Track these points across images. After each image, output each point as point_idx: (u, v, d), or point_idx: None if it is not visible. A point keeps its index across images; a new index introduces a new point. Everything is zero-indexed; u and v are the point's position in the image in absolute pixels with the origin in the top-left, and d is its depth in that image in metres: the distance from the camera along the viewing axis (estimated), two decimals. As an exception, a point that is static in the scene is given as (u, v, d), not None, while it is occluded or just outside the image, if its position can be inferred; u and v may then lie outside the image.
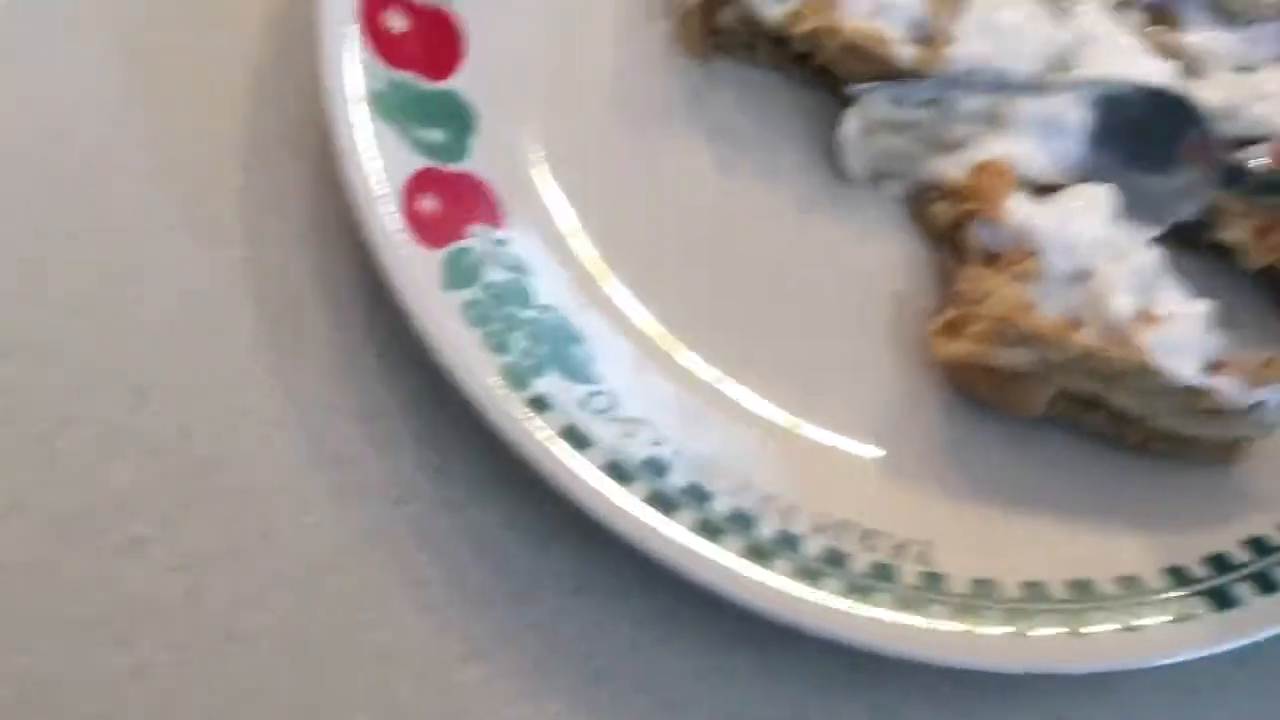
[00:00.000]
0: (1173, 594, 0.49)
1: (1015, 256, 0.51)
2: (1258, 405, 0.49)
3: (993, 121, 0.55)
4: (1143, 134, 0.55)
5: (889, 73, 0.55)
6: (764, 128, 0.58)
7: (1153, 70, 0.56)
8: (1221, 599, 0.50)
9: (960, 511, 0.51)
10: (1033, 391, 0.52)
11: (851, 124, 0.56)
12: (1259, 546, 0.51)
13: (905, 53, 0.54)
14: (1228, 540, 0.51)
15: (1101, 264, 0.51)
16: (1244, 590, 0.49)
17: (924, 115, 0.55)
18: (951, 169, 0.55)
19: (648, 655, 0.50)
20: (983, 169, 0.53)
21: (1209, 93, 0.56)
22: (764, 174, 0.57)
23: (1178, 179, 0.55)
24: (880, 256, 0.56)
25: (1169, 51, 0.57)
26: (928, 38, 0.55)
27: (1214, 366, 0.50)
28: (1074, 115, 0.55)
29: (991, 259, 0.52)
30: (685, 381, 0.52)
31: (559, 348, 0.51)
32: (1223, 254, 0.56)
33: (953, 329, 0.51)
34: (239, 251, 0.53)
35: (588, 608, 0.50)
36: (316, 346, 0.52)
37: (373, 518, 0.50)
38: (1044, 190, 0.54)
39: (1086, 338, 0.49)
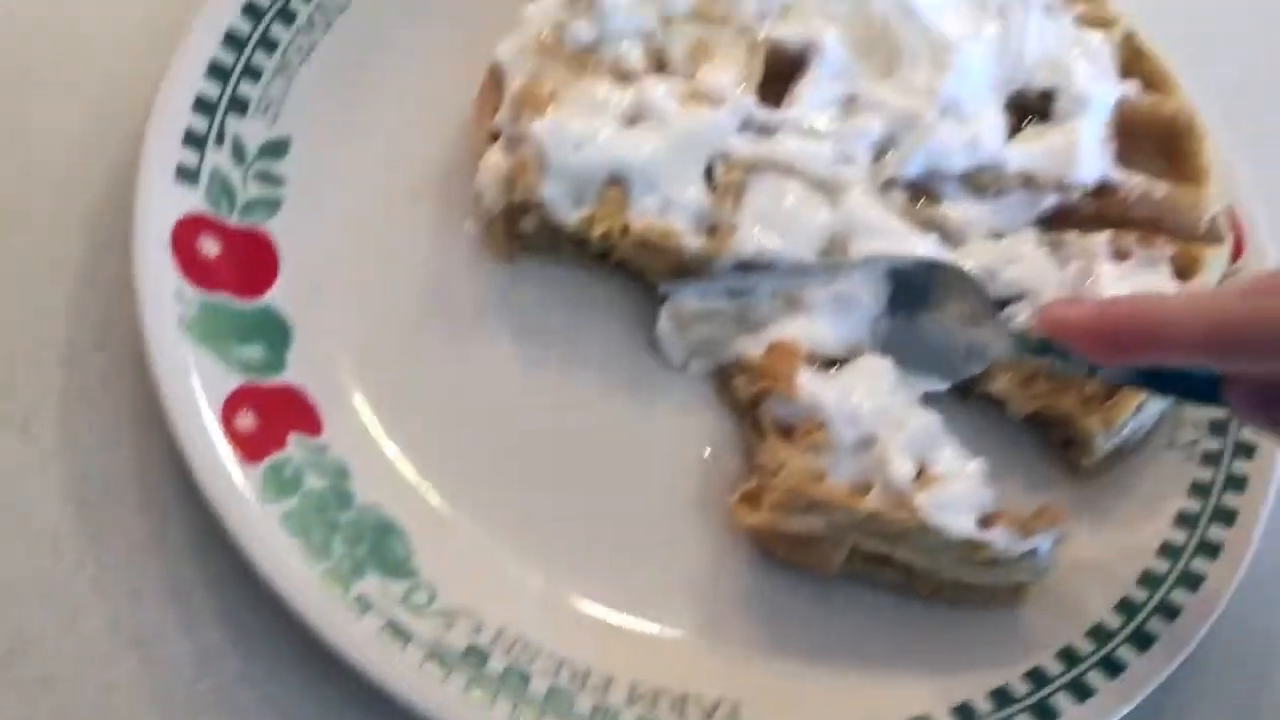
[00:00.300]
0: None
1: (807, 428, 0.56)
2: (1030, 553, 0.55)
3: (791, 304, 0.60)
4: (926, 301, 0.60)
5: (681, 263, 0.60)
6: (571, 321, 0.62)
7: (923, 245, 0.62)
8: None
9: (768, 669, 0.55)
10: (828, 552, 0.56)
11: (665, 320, 0.61)
12: (1038, 677, 0.55)
13: (693, 244, 0.59)
14: (1011, 674, 0.55)
15: (883, 431, 0.56)
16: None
17: (727, 305, 0.60)
18: (752, 348, 0.60)
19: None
20: (774, 349, 0.58)
21: (972, 260, 0.62)
22: (571, 365, 0.61)
23: (963, 340, 0.60)
24: (689, 431, 0.60)
25: (931, 224, 0.63)
26: (712, 228, 0.60)
27: (987, 520, 0.55)
28: (862, 292, 0.60)
29: (787, 431, 0.57)
30: (502, 569, 0.55)
31: (379, 546, 0.54)
32: (993, 402, 0.62)
33: (753, 499, 0.56)
34: (50, 441, 0.55)
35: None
36: (124, 529, 0.54)
37: (175, 697, 0.52)
38: (833, 364, 0.59)
39: (871, 502, 0.54)
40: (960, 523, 0.54)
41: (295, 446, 0.54)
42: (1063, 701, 0.54)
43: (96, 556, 0.53)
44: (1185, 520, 0.60)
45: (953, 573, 0.56)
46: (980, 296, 0.59)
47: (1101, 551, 0.59)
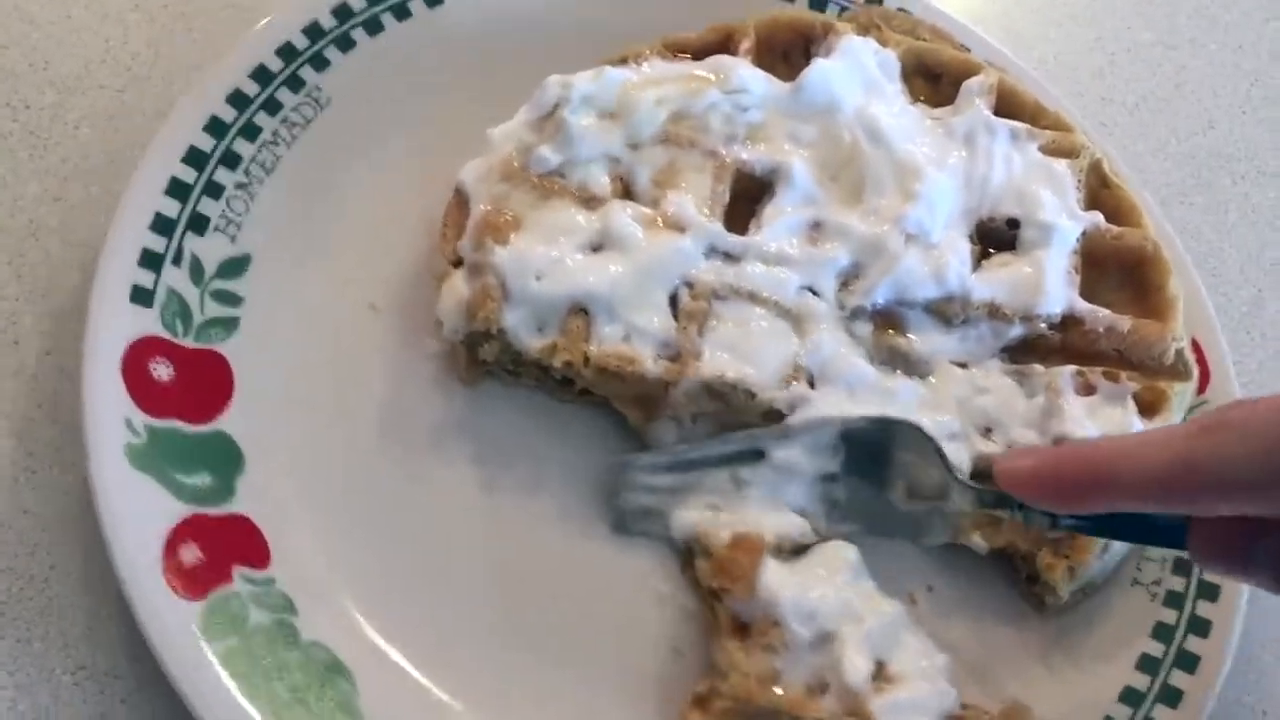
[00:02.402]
0: None
1: (763, 627, 0.55)
2: None
3: (735, 481, 0.59)
4: (881, 460, 0.59)
5: (645, 391, 0.60)
6: (534, 448, 0.61)
7: (887, 395, 0.61)
8: None
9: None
10: None
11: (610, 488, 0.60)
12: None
13: (654, 370, 0.59)
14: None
15: (841, 627, 0.54)
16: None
17: (670, 479, 0.59)
18: (705, 525, 0.58)
19: None
20: (738, 542, 0.57)
21: (935, 391, 0.62)
22: (532, 495, 0.60)
23: (923, 502, 0.59)
24: (651, 576, 0.59)
25: (897, 353, 0.63)
26: (675, 355, 0.60)
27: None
28: (804, 461, 0.59)
29: (743, 628, 0.55)
30: (447, 713, 0.54)
31: (322, 685, 0.52)
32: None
33: (703, 703, 0.54)
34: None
35: None
36: (69, 659, 0.53)
37: None
38: (801, 549, 0.58)
39: (826, 705, 0.52)
40: None
41: (240, 580, 0.53)
42: None
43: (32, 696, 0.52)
44: (1147, 664, 0.59)
45: None
46: (935, 451, 0.58)
47: (1063, 696, 0.58)
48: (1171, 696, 0.58)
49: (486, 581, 0.57)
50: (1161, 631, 0.60)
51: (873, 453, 0.59)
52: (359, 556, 0.56)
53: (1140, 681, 0.59)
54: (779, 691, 0.52)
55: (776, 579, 0.55)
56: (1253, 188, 0.79)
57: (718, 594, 0.56)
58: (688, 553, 0.59)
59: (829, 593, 0.55)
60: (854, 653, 0.53)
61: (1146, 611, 0.61)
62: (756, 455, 0.59)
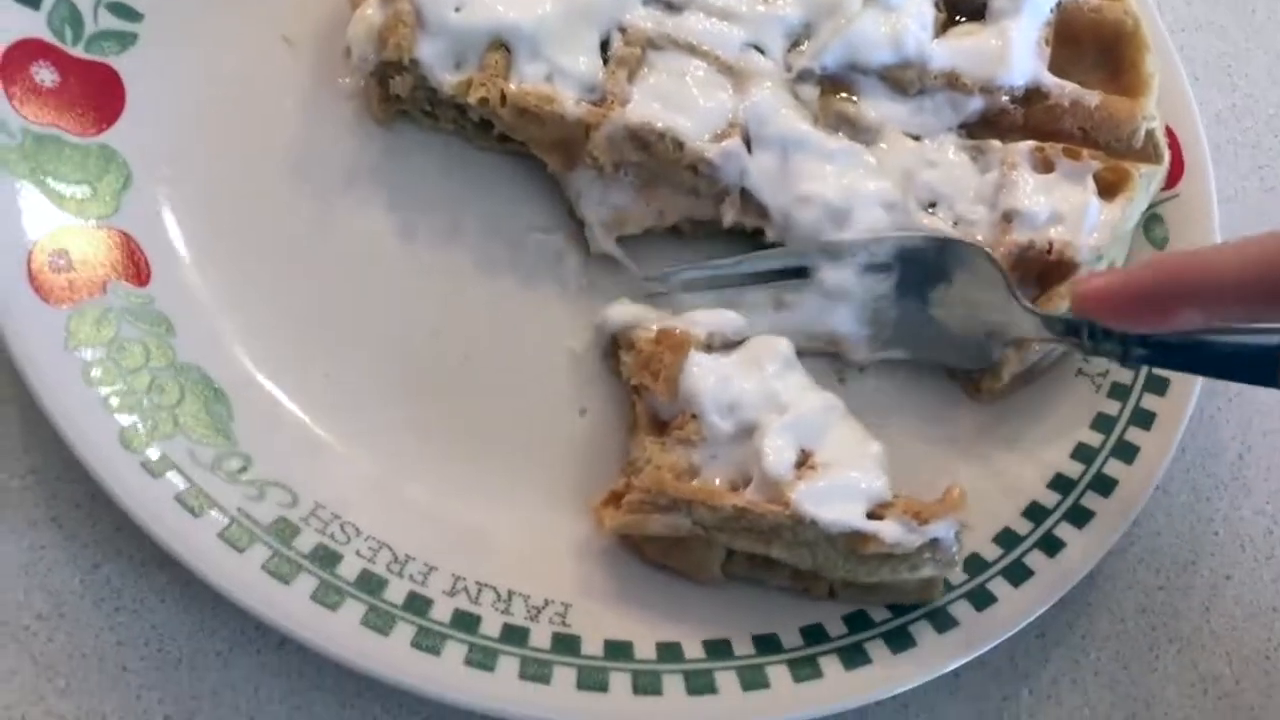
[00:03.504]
0: (804, 652, 0.49)
1: (680, 421, 0.51)
2: (932, 543, 0.49)
3: (778, 303, 0.56)
4: (937, 282, 0.55)
5: (564, 136, 0.56)
6: (449, 195, 0.57)
7: (825, 157, 0.56)
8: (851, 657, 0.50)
9: (604, 573, 0.50)
10: (700, 555, 0.51)
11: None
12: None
13: (574, 110, 0.55)
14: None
15: (763, 418, 0.51)
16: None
17: (712, 299, 0.55)
18: (633, 317, 0.55)
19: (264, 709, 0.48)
20: (663, 337, 0.53)
21: (879, 159, 0.58)
22: (443, 243, 0.56)
23: (980, 324, 0.55)
24: (558, 332, 0.56)
25: (844, 120, 0.58)
26: (600, 99, 0.56)
27: (880, 509, 0.49)
28: (856, 284, 0.55)
29: (662, 425, 0.52)
30: (330, 449, 0.51)
31: (196, 407, 0.49)
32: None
33: (616, 499, 0.51)
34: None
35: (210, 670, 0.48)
36: None
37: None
38: (731, 346, 0.54)
39: (746, 496, 0.49)
40: (842, 513, 0.48)
41: (116, 294, 0.50)
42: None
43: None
44: (1082, 453, 0.55)
45: (842, 572, 0.50)
46: (1000, 276, 0.53)
47: (993, 482, 0.55)
48: (1105, 485, 0.54)
49: (387, 327, 0.54)
50: (1102, 422, 0.56)
51: (930, 273, 0.55)
52: (248, 284, 0.53)
53: (1073, 469, 0.55)
54: (694, 484, 0.49)
55: (699, 371, 0.51)
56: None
57: (638, 390, 0.53)
58: (613, 342, 0.55)
59: (752, 384, 0.51)
60: (775, 440, 0.49)
61: (1089, 402, 0.57)
62: (801, 273, 0.55)
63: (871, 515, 0.49)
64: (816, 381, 0.54)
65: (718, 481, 0.50)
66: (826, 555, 0.49)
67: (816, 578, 0.51)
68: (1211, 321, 0.45)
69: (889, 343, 0.56)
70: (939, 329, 0.55)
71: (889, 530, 0.48)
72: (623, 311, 0.55)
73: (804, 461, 0.50)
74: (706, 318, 0.54)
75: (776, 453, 0.50)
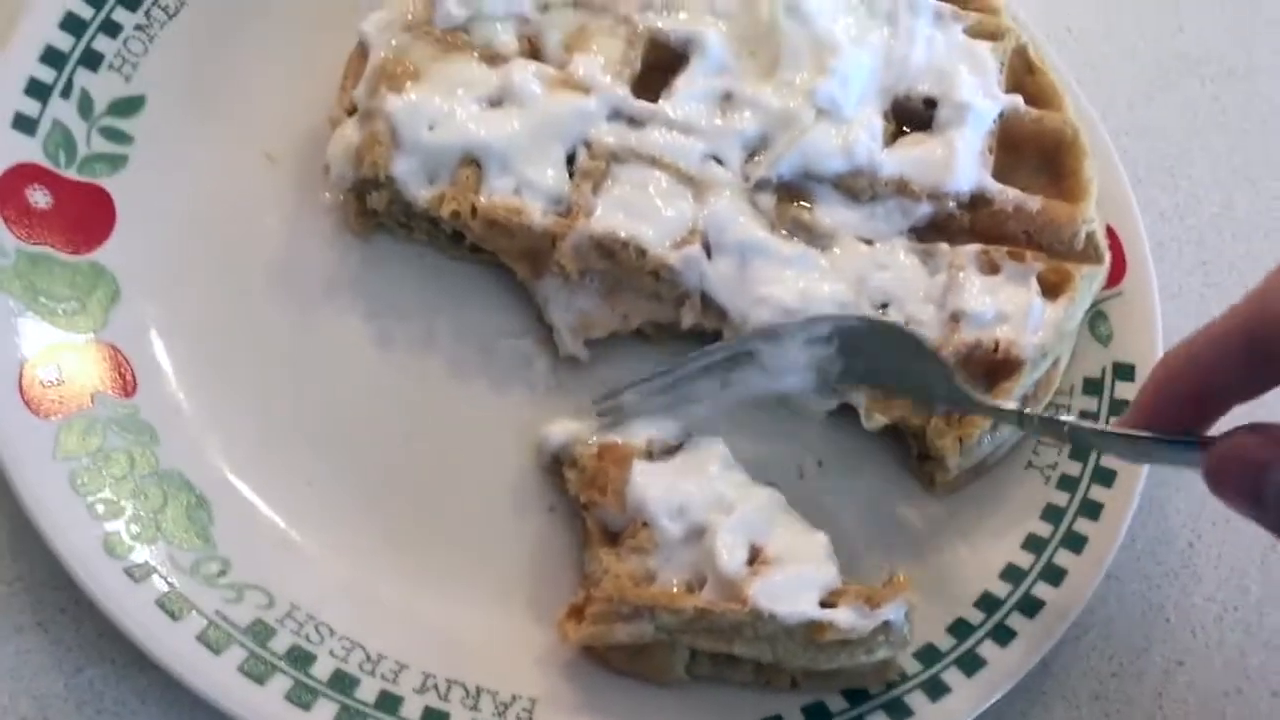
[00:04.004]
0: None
1: (633, 529, 0.53)
2: (884, 626, 0.51)
3: (725, 384, 0.58)
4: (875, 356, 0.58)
5: (533, 246, 0.59)
6: (425, 304, 0.60)
7: (783, 262, 0.59)
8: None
9: (569, 669, 0.52)
10: (664, 659, 0.52)
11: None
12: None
13: (541, 222, 0.57)
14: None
15: (711, 518, 0.53)
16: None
17: (667, 400, 0.57)
18: (572, 435, 0.56)
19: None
20: (605, 451, 0.55)
21: (834, 262, 0.61)
22: (420, 349, 0.59)
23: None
24: (530, 433, 0.57)
25: (799, 226, 0.61)
26: (566, 210, 0.59)
27: (832, 597, 0.51)
28: (801, 356, 0.58)
29: (614, 537, 0.54)
30: (305, 552, 0.53)
31: (178, 512, 0.52)
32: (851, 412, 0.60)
33: (577, 613, 0.52)
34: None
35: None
36: None
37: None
38: (671, 450, 0.56)
39: (703, 597, 0.51)
40: (798, 606, 0.50)
41: (102, 405, 0.52)
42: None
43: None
44: (1033, 544, 0.57)
45: (803, 661, 0.52)
46: (935, 360, 0.56)
47: (947, 572, 0.57)
48: (1054, 575, 0.56)
49: (363, 433, 0.57)
50: (1051, 513, 0.58)
51: (867, 352, 0.57)
52: (230, 394, 0.55)
53: (1024, 560, 0.57)
54: (653, 589, 0.51)
55: (644, 480, 0.53)
56: (1221, 89, 0.77)
57: (587, 506, 0.55)
58: (555, 462, 0.57)
59: (697, 487, 0.53)
60: (727, 540, 0.52)
61: (1038, 494, 0.59)
62: (746, 357, 0.58)
63: (824, 604, 0.51)
64: (775, 477, 0.56)
65: (674, 584, 0.52)
66: (786, 647, 0.51)
67: (778, 670, 0.53)
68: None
69: (839, 390, 0.59)
70: (886, 371, 0.58)
71: (843, 617, 0.50)
72: (562, 429, 0.57)
73: (755, 557, 0.52)
74: (645, 427, 0.57)
75: (729, 551, 0.52)
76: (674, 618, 0.50)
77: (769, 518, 0.54)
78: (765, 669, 0.53)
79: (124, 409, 0.53)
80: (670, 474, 0.54)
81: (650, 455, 0.55)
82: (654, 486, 0.53)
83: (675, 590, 0.51)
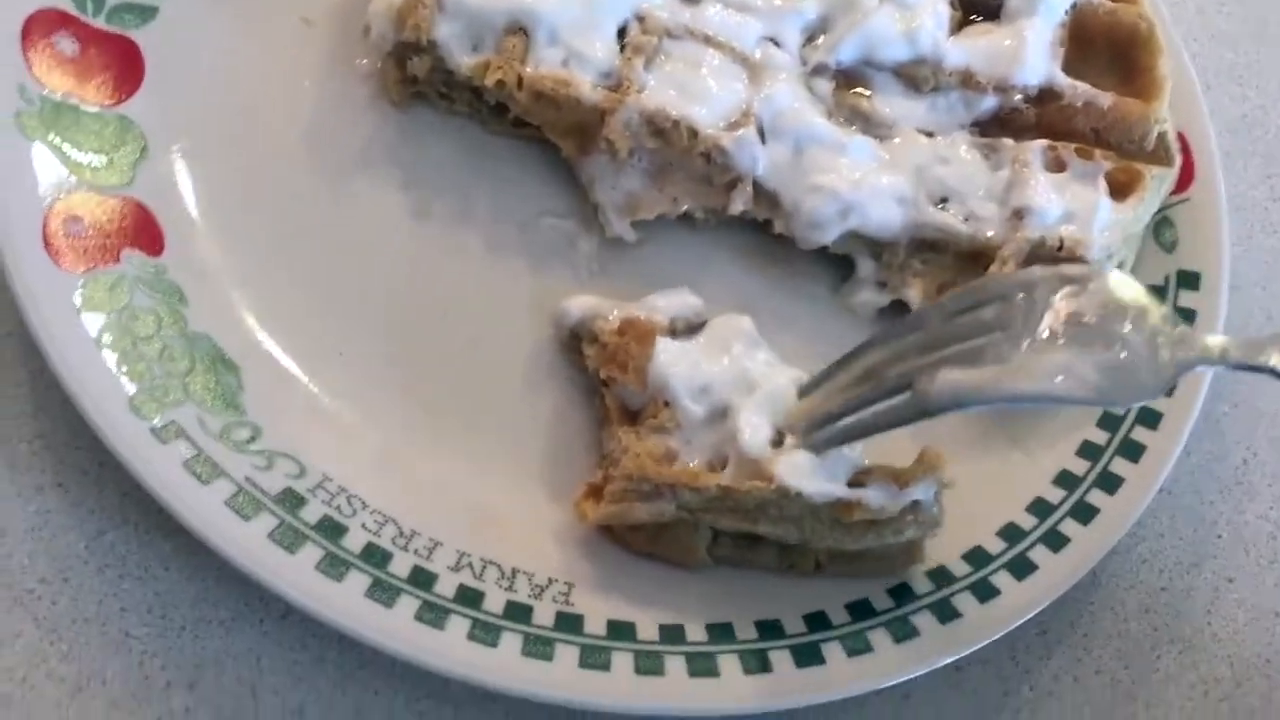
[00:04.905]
0: (807, 639, 0.49)
1: (653, 409, 0.51)
2: (913, 506, 0.49)
3: None
4: None
5: (580, 120, 0.56)
6: (463, 178, 0.57)
7: (838, 149, 0.57)
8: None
9: (606, 555, 0.50)
10: (685, 540, 0.51)
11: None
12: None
13: (590, 95, 0.55)
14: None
15: (735, 399, 0.51)
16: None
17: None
18: (593, 309, 0.54)
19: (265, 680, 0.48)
20: (628, 326, 0.53)
21: (892, 154, 0.58)
22: (456, 225, 0.56)
23: None
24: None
25: (857, 114, 0.59)
26: (616, 85, 0.56)
27: (860, 476, 0.49)
28: None
29: (633, 415, 0.52)
30: (337, 421, 0.51)
31: (207, 376, 0.49)
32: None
33: (596, 492, 0.50)
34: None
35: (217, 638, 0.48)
36: None
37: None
38: (694, 328, 0.54)
39: (726, 476, 0.49)
40: (825, 484, 0.48)
41: (130, 263, 0.50)
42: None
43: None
44: (1088, 450, 0.55)
45: (830, 541, 0.50)
46: None
47: (999, 475, 0.55)
48: (1110, 483, 0.54)
49: (395, 303, 0.54)
50: (1108, 420, 0.56)
51: None
52: (260, 257, 0.53)
53: (1078, 466, 0.55)
54: (673, 467, 0.49)
55: (667, 358, 0.51)
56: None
57: (606, 383, 0.53)
58: (573, 338, 0.55)
59: (721, 366, 0.51)
60: (751, 419, 0.49)
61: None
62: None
63: (852, 484, 0.49)
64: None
65: (695, 465, 0.50)
66: (812, 527, 0.49)
67: (803, 553, 0.51)
68: None
69: (893, 286, 0.57)
70: None
71: (872, 496, 0.48)
72: (581, 303, 0.55)
73: (779, 439, 0.50)
74: (667, 302, 0.54)
75: (753, 430, 0.49)
76: (696, 496, 0.48)
77: (794, 399, 0.51)
78: (789, 551, 0.51)
79: (151, 267, 0.51)
80: (694, 352, 0.52)
81: (674, 332, 0.53)
82: (678, 365, 0.51)
83: (698, 470, 0.49)
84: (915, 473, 0.49)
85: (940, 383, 0.45)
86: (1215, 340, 0.47)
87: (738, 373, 0.51)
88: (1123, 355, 0.45)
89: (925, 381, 0.45)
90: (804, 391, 0.51)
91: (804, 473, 0.48)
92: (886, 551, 0.51)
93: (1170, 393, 0.57)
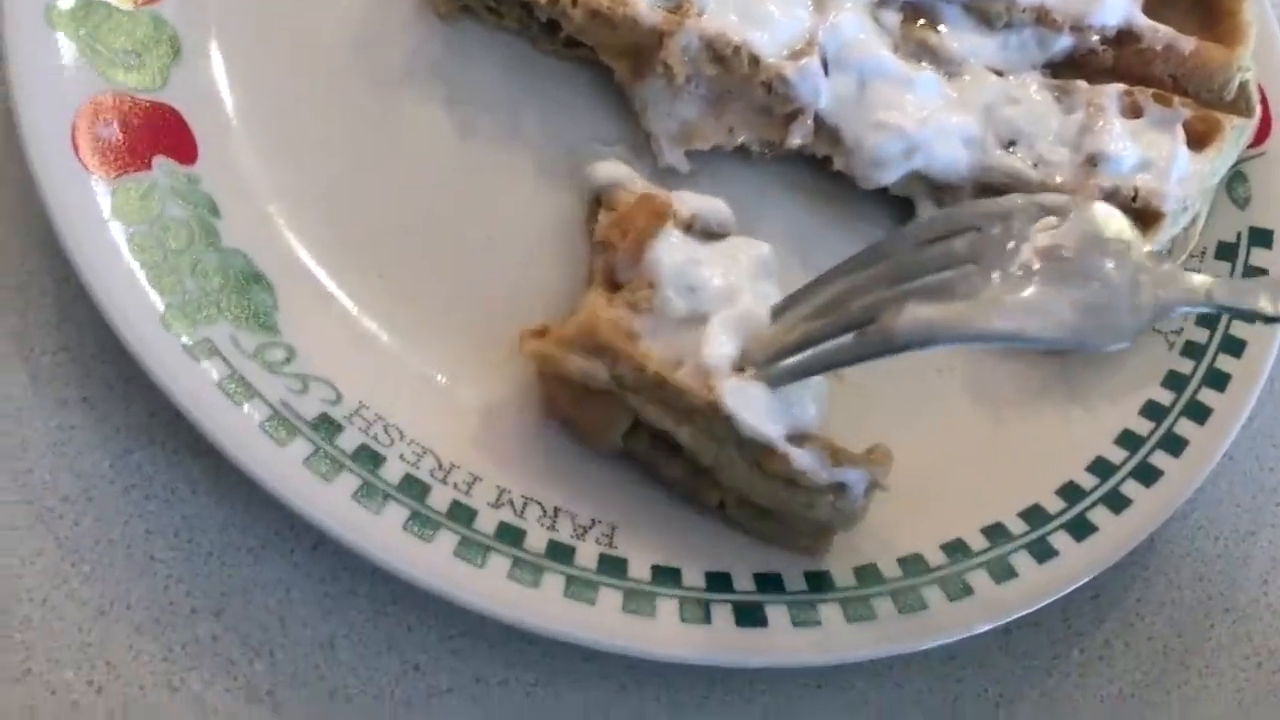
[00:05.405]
0: (858, 592, 0.47)
1: (636, 284, 0.48)
2: (839, 487, 0.46)
3: None
4: None
5: (636, 42, 0.53)
6: (509, 97, 0.55)
7: (905, 85, 0.54)
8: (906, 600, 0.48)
9: (650, 496, 0.48)
10: (607, 415, 0.48)
11: None
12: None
13: (649, 16, 0.52)
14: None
15: (716, 310, 0.48)
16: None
17: None
18: (621, 177, 0.52)
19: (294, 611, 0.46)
20: (644, 201, 0.50)
21: (961, 91, 0.55)
22: (498, 145, 0.54)
23: None
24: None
25: (925, 49, 0.56)
26: (676, 6, 0.53)
27: (800, 437, 0.47)
28: None
29: (615, 286, 0.49)
30: (374, 345, 0.49)
31: (241, 294, 0.47)
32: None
33: (544, 333, 0.48)
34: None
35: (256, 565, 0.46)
36: None
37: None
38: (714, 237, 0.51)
39: (680, 376, 0.46)
40: (762, 422, 0.45)
41: (161, 171, 0.48)
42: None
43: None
44: (1153, 411, 0.53)
45: (739, 482, 0.47)
46: None
47: (1059, 431, 0.53)
48: (1174, 444, 0.52)
49: (437, 224, 0.52)
50: (1174, 380, 0.54)
51: None
52: (298, 171, 0.50)
53: (1142, 426, 0.53)
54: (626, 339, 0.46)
55: (669, 244, 0.48)
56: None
57: (602, 245, 0.50)
58: (595, 204, 0.53)
59: (720, 276, 0.48)
60: (719, 334, 0.46)
61: (1161, 360, 0.55)
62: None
63: (790, 438, 0.46)
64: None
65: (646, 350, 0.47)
66: (730, 457, 0.47)
67: (711, 483, 0.48)
68: None
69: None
70: None
71: (801, 456, 0.46)
72: (610, 169, 0.53)
73: (742, 368, 0.47)
74: (698, 201, 0.51)
75: (719, 344, 0.46)
76: (634, 375, 0.46)
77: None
78: (698, 476, 0.48)
79: (184, 176, 0.48)
80: (700, 252, 0.49)
81: (689, 228, 0.50)
82: (677, 254, 0.48)
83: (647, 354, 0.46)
84: (856, 459, 0.46)
85: (905, 317, 0.42)
86: (1200, 280, 0.44)
87: (732, 289, 0.48)
88: (1101, 293, 0.42)
89: (890, 315, 0.42)
90: (773, 317, 0.48)
91: (747, 402, 0.45)
92: (794, 524, 0.48)
93: (1239, 353, 0.55)
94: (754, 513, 0.48)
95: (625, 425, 0.48)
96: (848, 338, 0.44)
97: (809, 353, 0.46)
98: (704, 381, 0.45)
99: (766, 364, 0.46)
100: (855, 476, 0.46)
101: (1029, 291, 0.42)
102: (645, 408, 0.46)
